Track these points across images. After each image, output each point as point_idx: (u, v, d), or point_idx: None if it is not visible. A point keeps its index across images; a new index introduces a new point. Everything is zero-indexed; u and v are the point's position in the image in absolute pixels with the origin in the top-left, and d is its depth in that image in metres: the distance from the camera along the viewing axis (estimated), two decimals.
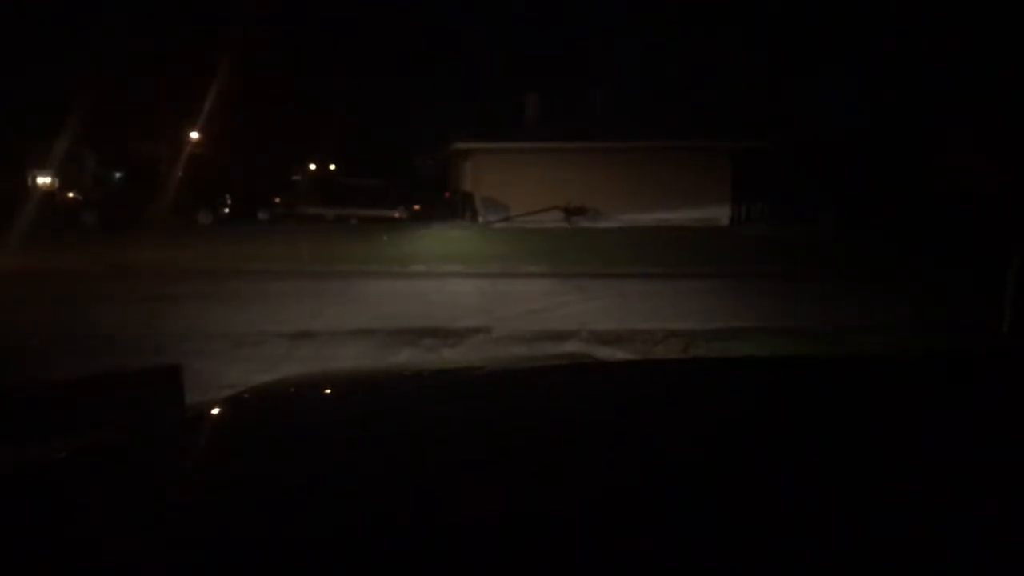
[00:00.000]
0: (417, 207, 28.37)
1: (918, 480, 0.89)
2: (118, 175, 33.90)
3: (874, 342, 7.27)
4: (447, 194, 29.37)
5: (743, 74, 29.72)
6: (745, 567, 0.71)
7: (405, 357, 6.88)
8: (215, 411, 1.24)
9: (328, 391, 1.48)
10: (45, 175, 31.94)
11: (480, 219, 26.26)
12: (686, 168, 26.40)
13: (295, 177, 33.16)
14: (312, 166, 36.26)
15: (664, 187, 26.12)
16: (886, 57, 26.45)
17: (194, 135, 32.15)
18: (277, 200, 28.93)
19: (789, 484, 0.88)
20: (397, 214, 27.54)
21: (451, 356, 6.96)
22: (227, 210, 27.97)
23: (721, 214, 26.88)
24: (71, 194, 28.56)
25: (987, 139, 22.40)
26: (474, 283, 11.66)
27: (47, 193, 30.14)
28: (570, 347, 7.27)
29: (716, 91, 29.30)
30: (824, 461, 0.96)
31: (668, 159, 26.39)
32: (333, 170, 36.66)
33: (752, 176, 26.84)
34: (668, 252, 15.89)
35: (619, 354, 7.00)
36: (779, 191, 26.76)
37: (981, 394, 1.26)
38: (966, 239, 16.15)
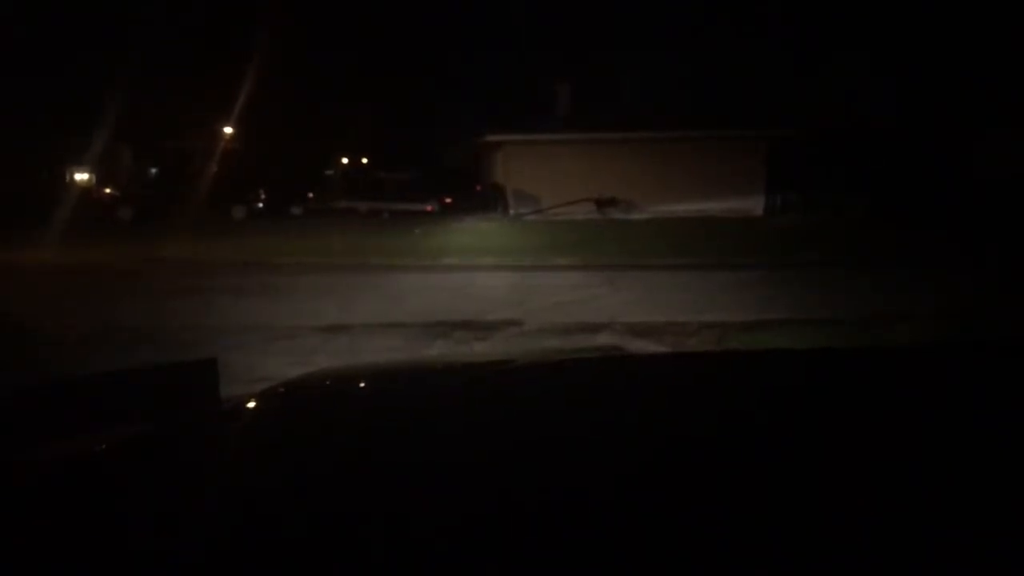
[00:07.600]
0: (448, 200, 28.41)
1: (950, 473, 0.87)
2: (154, 171, 34.38)
3: (909, 333, 7.16)
4: (478, 187, 29.38)
5: (775, 62, 29.38)
6: (776, 557, 0.70)
7: (437, 350, 6.90)
8: (251, 404, 1.25)
9: (362, 384, 1.48)
10: (82, 171, 32.38)
11: (511, 212, 26.23)
12: (719, 158, 26.02)
13: (327, 172, 33.36)
14: (344, 161, 36.44)
15: (697, 177, 25.77)
16: (920, 42, 26.05)
17: (228, 130, 32.50)
18: (310, 195, 29.16)
19: (821, 478, 0.87)
20: (428, 207, 27.60)
21: (482, 349, 6.98)
22: (261, 205, 28.28)
23: (755, 204, 26.46)
24: (108, 190, 29.05)
25: None
26: (506, 276, 11.66)
27: (84, 189, 30.60)
28: (602, 340, 7.25)
29: (748, 80, 28.96)
30: (861, 455, 0.94)
31: (700, 149, 26.06)
32: (365, 164, 36.81)
33: (786, 165, 26.44)
34: (701, 243, 15.77)
35: (652, 347, 6.96)
36: (813, 180, 26.40)
37: (1014, 386, 1.23)
38: (1003, 227, 15.90)
